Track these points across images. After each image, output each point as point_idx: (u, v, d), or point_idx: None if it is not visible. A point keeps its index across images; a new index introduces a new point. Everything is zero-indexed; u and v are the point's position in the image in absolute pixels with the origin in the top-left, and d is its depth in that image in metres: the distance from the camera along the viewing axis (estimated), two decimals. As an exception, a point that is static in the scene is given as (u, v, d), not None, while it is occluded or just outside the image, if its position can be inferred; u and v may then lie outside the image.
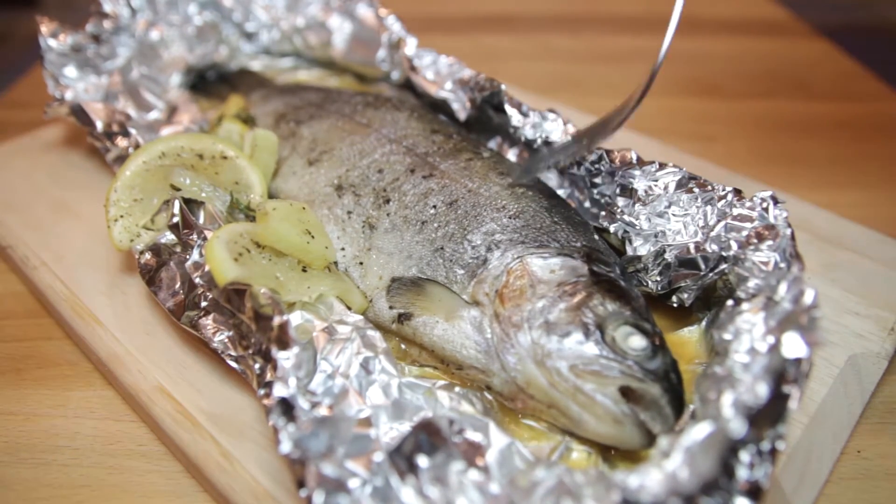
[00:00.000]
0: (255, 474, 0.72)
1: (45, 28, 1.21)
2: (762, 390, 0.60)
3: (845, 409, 0.82)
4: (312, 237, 0.85)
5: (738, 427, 0.59)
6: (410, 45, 1.27)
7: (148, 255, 0.88)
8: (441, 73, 1.19)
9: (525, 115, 1.05)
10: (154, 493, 0.78)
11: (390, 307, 0.84)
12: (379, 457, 0.63)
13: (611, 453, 0.74)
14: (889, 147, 1.43)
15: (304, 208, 0.89)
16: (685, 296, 0.85)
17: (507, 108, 1.06)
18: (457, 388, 0.78)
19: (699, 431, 0.61)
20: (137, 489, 0.78)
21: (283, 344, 0.69)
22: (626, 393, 0.71)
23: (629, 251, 0.89)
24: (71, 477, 0.79)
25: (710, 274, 0.83)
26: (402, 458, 0.62)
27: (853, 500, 0.76)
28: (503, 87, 1.07)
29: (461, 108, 1.13)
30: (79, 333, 0.92)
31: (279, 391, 0.66)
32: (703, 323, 0.86)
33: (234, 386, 0.82)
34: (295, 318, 0.77)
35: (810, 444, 0.77)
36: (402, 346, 0.85)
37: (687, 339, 0.85)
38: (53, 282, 0.98)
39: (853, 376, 0.85)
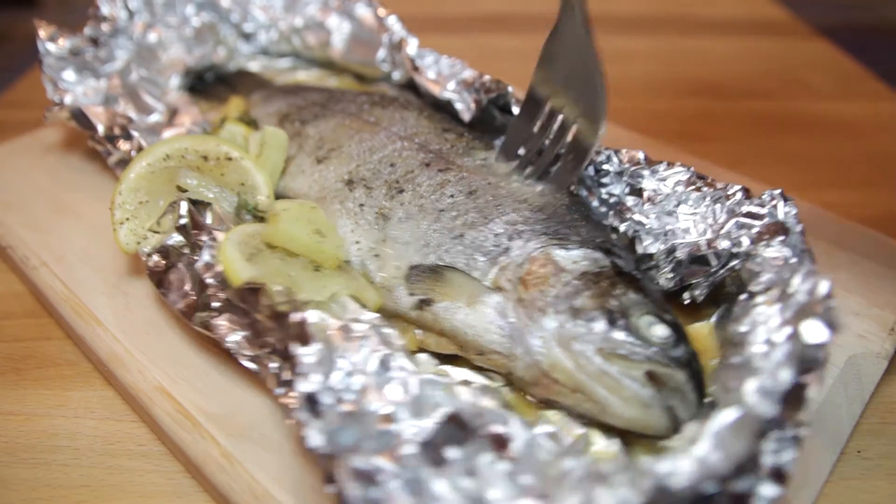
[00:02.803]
0: (255, 474, 0.72)
1: (42, 32, 1.20)
2: (785, 376, 0.61)
3: (845, 409, 0.82)
4: (324, 237, 0.86)
5: (768, 408, 0.60)
6: (412, 46, 1.27)
7: (156, 258, 0.87)
8: (443, 73, 1.20)
9: None
10: (154, 493, 0.78)
11: (410, 294, 0.84)
12: (408, 449, 0.63)
13: (631, 445, 0.74)
14: (889, 147, 1.43)
15: (313, 208, 0.89)
16: (697, 292, 0.86)
17: (515, 109, 1.06)
18: (475, 384, 0.78)
19: (727, 416, 0.61)
20: (137, 489, 0.78)
21: (304, 340, 0.69)
22: (651, 378, 0.72)
23: (639, 250, 0.90)
24: (71, 477, 0.79)
25: (721, 270, 0.84)
26: (433, 451, 0.62)
27: (853, 500, 0.76)
28: (510, 88, 1.07)
29: (465, 109, 1.13)
30: (79, 333, 0.92)
31: (304, 386, 0.66)
32: (713, 319, 0.87)
33: (235, 386, 0.82)
34: (311, 317, 0.77)
35: (810, 444, 0.77)
36: (418, 337, 0.84)
37: (697, 335, 0.86)
38: (53, 282, 0.98)
39: (853, 376, 0.85)
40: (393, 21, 1.33)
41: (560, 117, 0.97)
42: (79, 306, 0.94)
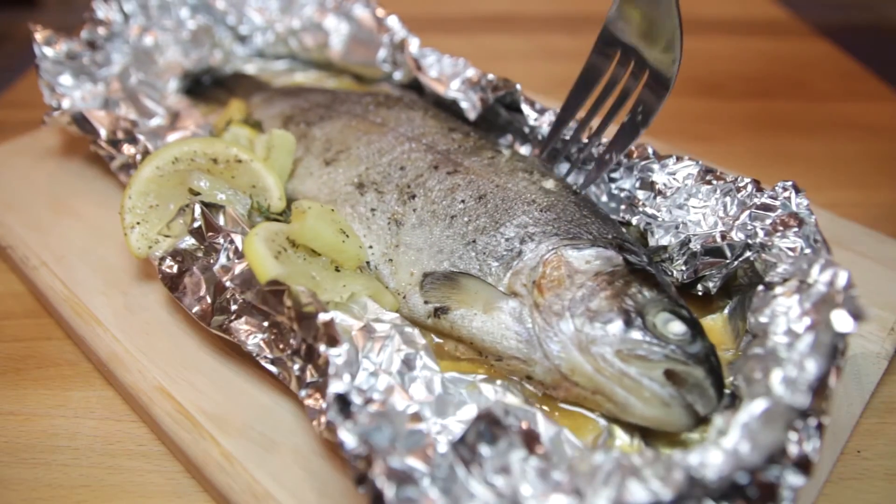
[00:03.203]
0: (255, 474, 0.72)
1: (39, 36, 1.20)
2: (812, 366, 0.62)
3: (845, 409, 0.82)
4: (347, 236, 0.86)
5: (797, 398, 0.61)
6: (413, 45, 1.26)
7: (169, 261, 0.87)
8: (445, 72, 1.20)
9: (541, 112, 1.07)
10: (154, 493, 0.78)
11: (425, 302, 0.84)
12: (441, 448, 0.63)
13: (652, 439, 0.75)
14: (889, 147, 1.43)
15: (332, 210, 0.89)
16: (710, 284, 0.87)
17: (525, 107, 1.07)
18: (499, 381, 0.79)
19: (756, 407, 0.62)
20: (137, 489, 0.78)
21: (333, 341, 0.69)
22: (670, 376, 0.73)
23: (651, 243, 0.91)
24: (71, 477, 0.79)
25: (736, 262, 0.85)
26: (466, 449, 0.63)
27: (852, 500, 0.76)
28: (518, 87, 1.08)
29: (471, 108, 1.13)
30: (79, 333, 0.92)
31: (335, 388, 0.65)
32: (726, 310, 0.88)
33: (235, 385, 0.82)
34: (337, 317, 0.77)
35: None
36: (436, 340, 0.85)
37: (711, 327, 0.87)
38: (53, 282, 0.98)
39: (853, 376, 0.85)
40: (393, 21, 1.33)
41: (633, 62, 0.94)
42: (79, 306, 0.94)
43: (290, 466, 0.73)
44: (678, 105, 1.63)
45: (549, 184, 0.95)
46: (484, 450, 0.62)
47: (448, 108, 1.18)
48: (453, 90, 1.16)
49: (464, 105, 1.14)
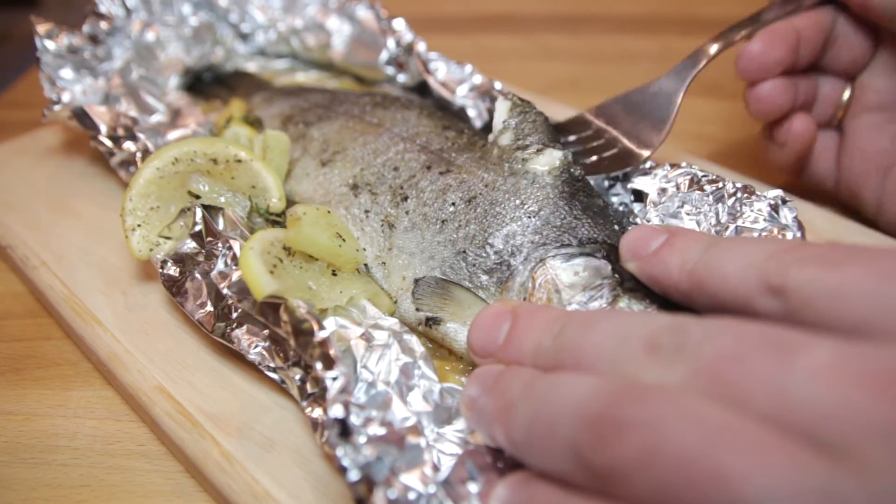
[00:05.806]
0: (254, 474, 0.72)
1: (41, 29, 1.20)
2: None
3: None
4: (343, 240, 0.85)
5: None
6: (422, 48, 1.26)
7: (171, 265, 0.86)
8: (451, 78, 1.19)
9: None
10: (154, 493, 0.78)
11: (417, 309, 0.84)
12: (432, 489, 0.63)
13: None
14: (889, 147, 1.43)
15: (329, 212, 0.89)
16: None
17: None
18: None
19: None
20: (137, 489, 0.78)
21: (329, 363, 0.67)
22: None
23: None
24: (71, 477, 0.79)
25: None
26: (453, 488, 0.63)
27: None
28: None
29: (477, 116, 1.13)
30: (78, 333, 0.92)
31: (334, 411, 0.64)
32: None
33: (235, 385, 0.82)
34: (329, 325, 0.76)
35: (810, 444, 0.77)
36: (429, 345, 0.84)
37: None
38: (53, 282, 0.98)
39: (853, 376, 0.85)
40: (399, 24, 1.32)
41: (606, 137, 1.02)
42: (78, 306, 0.94)
43: (289, 466, 0.73)
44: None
45: (543, 166, 0.91)
46: (471, 487, 0.63)
47: (447, 108, 1.17)
48: (460, 97, 1.16)
49: (471, 113, 1.14)
